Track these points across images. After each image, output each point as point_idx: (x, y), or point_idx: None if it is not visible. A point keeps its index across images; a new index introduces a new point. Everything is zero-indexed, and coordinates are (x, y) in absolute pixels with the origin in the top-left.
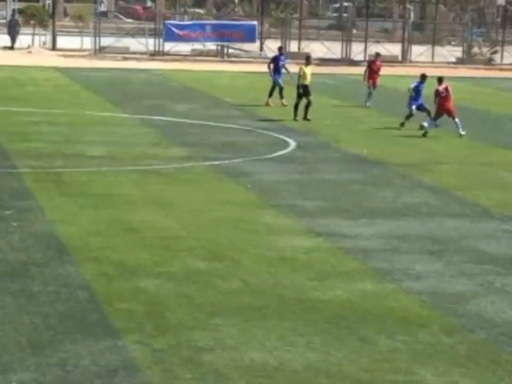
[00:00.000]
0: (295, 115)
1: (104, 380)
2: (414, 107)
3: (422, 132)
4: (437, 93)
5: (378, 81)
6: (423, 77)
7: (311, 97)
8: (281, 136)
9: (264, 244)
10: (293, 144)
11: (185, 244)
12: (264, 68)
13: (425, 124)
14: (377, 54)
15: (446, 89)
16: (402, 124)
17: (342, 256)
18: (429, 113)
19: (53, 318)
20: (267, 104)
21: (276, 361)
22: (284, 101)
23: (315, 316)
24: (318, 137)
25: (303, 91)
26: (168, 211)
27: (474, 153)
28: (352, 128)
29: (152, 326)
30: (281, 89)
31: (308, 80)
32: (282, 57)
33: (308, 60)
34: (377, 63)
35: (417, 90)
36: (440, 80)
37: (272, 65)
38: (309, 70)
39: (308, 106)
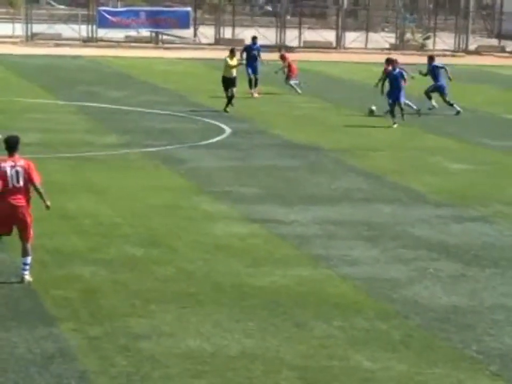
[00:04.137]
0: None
1: (40, 367)
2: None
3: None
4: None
5: (294, 70)
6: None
7: (234, 90)
8: (216, 123)
9: (200, 231)
10: (228, 130)
11: (120, 231)
12: (198, 54)
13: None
14: (281, 50)
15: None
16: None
17: (278, 243)
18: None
19: None
20: (252, 95)
21: (212, 348)
22: (253, 91)
23: (251, 302)
24: (254, 124)
25: (228, 83)
26: (103, 198)
27: (407, 139)
28: (287, 115)
29: (88, 313)
30: (250, 80)
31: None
32: (254, 47)
33: (232, 52)
34: (287, 57)
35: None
36: (391, 61)
37: (244, 55)
38: (234, 62)
39: (231, 98)
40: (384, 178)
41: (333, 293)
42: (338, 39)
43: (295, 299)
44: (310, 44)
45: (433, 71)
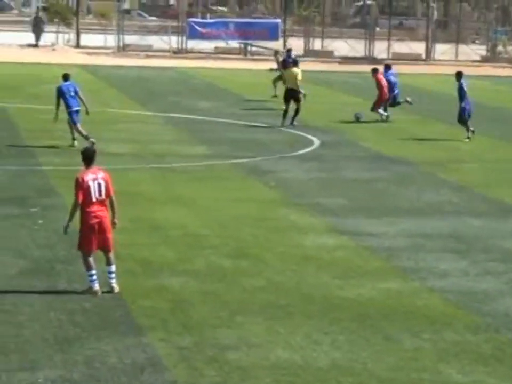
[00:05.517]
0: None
1: (130, 377)
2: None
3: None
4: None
5: None
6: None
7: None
8: (304, 134)
9: (289, 242)
10: (316, 142)
11: (209, 242)
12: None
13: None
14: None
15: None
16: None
17: (366, 255)
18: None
19: (78, 315)
20: None
21: (302, 360)
22: None
23: (340, 314)
24: (342, 136)
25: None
26: (191, 209)
27: (495, 151)
28: (374, 126)
29: (177, 323)
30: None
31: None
32: (290, 60)
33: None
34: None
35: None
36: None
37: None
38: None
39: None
40: (473, 190)
41: (422, 305)
42: (428, 51)
43: (384, 312)
44: (399, 56)
45: (389, 81)
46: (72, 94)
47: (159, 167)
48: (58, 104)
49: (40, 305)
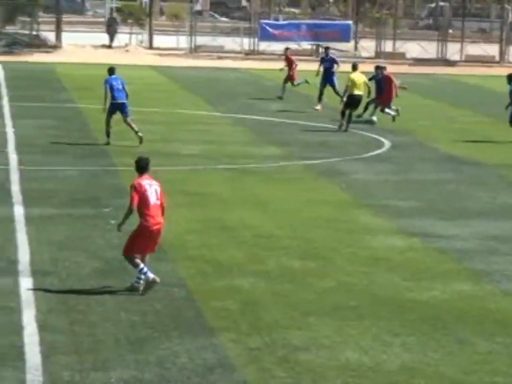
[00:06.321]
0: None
1: (201, 377)
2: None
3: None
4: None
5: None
6: None
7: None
8: (375, 136)
9: (359, 244)
10: (387, 144)
11: (279, 243)
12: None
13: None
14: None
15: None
16: None
17: (437, 257)
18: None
19: (150, 315)
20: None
21: (372, 361)
22: (319, 105)
23: (411, 316)
24: (413, 137)
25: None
26: (262, 210)
27: None
28: (446, 128)
29: (247, 324)
30: (320, 93)
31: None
32: (327, 58)
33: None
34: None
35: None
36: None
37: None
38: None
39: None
40: None
41: (495, 308)
42: (502, 53)
43: (456, 314)
44: (472, 58)
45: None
46: (120, 87)
47: (230, 168)
48: (106, 97)
49: (112, 305)
